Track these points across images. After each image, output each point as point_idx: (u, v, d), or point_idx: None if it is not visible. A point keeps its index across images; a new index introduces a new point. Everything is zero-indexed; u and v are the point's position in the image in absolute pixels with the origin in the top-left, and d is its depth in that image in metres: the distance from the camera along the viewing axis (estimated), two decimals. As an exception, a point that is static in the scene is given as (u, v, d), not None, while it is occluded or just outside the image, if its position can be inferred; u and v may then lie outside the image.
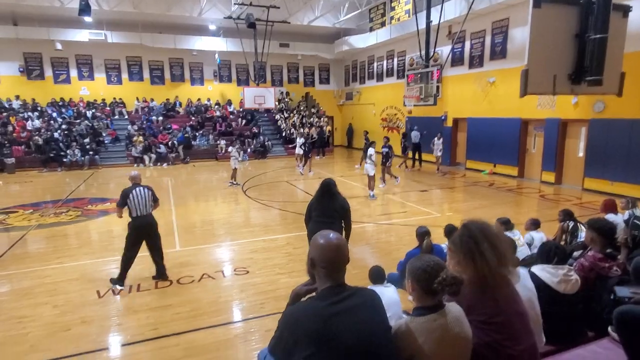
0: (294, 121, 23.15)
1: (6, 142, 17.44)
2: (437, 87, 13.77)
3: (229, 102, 23.79)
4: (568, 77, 5.05)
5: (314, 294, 1.92)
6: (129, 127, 20.32)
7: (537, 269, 2.88)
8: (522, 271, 2.60)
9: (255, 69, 19.27)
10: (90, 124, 19.67)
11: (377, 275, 3.70)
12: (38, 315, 4.82)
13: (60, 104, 20.62)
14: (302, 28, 21.65)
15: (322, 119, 24.04)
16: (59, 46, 19.37)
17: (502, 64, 14.01)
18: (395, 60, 20.37)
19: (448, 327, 1.83)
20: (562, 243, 4.90)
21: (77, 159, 17.72)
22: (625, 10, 5.20)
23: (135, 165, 18.47)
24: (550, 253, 2.88)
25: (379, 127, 22.08)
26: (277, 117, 23.69)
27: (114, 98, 21.73)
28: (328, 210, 4.88)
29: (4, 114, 19.04)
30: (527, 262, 3.83)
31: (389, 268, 4.10)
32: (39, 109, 19.94)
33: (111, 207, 10.41)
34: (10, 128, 18.33)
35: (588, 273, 2.98)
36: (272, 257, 6.70)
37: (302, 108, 24.77)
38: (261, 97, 19.62)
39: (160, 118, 21.49)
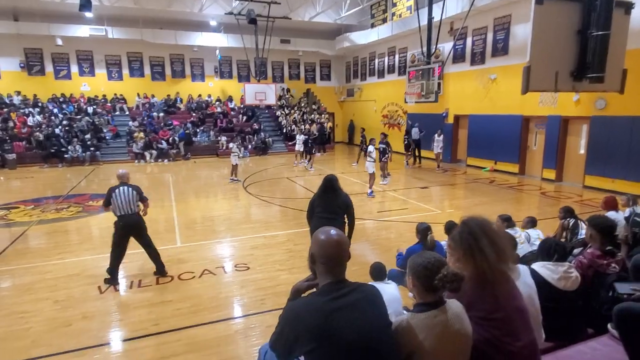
0: (294, 118, 23.12)
1: (7, 137, 17.44)
2: (439, 84, 13.75)
3: (230, 99, 23.76)
4: (570, 74, 5.04)
5: (314, 289, 1.93)
6: (130, 123, 20.32)
7: (537, 266, 2.88)
8: (522, 268, 2.60)
9: (256, 65, 19.25)
10: (91, 120, 19.67)
11: (378, 272, 3.71)
12: (39, 310, 4.84)
13: (61, 99, 20.60)
14: (303, 24, 21.59)
15: (322, 115, 24.02)
16: (59, 42, 19.35)
17: (504, 60, 13.96)
18: (397, 56, 20.31)
19: (448, 324, 1.83)
20: (563, 240, 4.91)
21: (78, 155, 17.74)
22: (628, 7, 5.18)
23: (136, 161, 18.48)
24: (551, 250, 2.89)
25: (379, 124, 22.05)
26: (278, 113, 23.66)
27: (115, 94, 21.71)
28: (331, 207, 4.88)
29: (5, 109, 19.03)
30: (528, 259, 3.83)
31: (389, 265, 4.11)
32: (39, 104, 19.93)
33: (112, 203, 10.42)
34: (11, 124, 18.33)
35: (586, 270, 2.98)
36: (273, 253, 6.71)
37: (303, 104, 24.74)
38: (262, 93, 19.60)
39: (161, 114, 21.48)
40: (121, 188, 5.44)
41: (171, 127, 20.48)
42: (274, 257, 6.51)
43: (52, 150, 17.51)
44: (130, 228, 5.51)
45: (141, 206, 5.74)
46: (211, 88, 23.74)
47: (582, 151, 11.97)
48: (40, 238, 7.80)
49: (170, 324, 4.47)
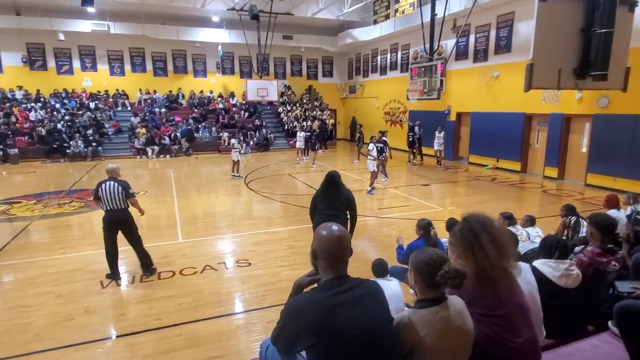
0: (296, 114, 23.10)
1: (9, 132, 17.48)
2: (441, 81, 13.72)
3: (232, 95, 23.74)
4: (573, 71, 5.03)
5: (316, 285, 1.94)
6: (132, 118, 20.33)
7: (538, 263, 2.89)
8: (524, 265, 2.61)
9: (258, 61, 19.20)
10: (93, 116, 19.68)
11: (379, 268, 3.71)
12: (42, 304, 4.87)
13: (63, 95, 20.61)
14: (306, 20, 21.53)
15: (324, 112, 23.99)
16: (61, 37, 19.34)
17: (507, 58, 13.92)
18: (399, 53, 20.25)
19: (450, 320, 1.84)
20: (564, 238, 4.91)
21: (80, 150, 17.77)
22: (631, 4, 5.15)
23: (138, 157, 18.51)
24: (552, 247, 2.89)
25: (381, 121, 22.02)
26: (280, 110, 23.64)
27: (117, 89, 21.71)
28: (333, 203, 4.88)
29: (7, 104, 19.06)
30: (529, 257, 3.84)
31: (390, 261, 4.12)
32: (41, 99, 19.95)
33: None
34: (13, 119, 18.36)
35: (587, 268, 2.99)
36: (274, 249, 6.73)
37: (305, 101, 24.71)
38: (264, 89, 19.58)
39: (163, 110, 21.48)
40: (108, 183, 5.37)
41: (173, 123, 20.49)
42: (275, 253, 6.53)
43: (55, 146, 17.54)
44: (116, 223, 5.43)
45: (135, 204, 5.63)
46: (213, 84, 23.72)
47: (584, 149, 11.95)
48: (42, 233, 7.83)
49: (171, 319, 4.49)
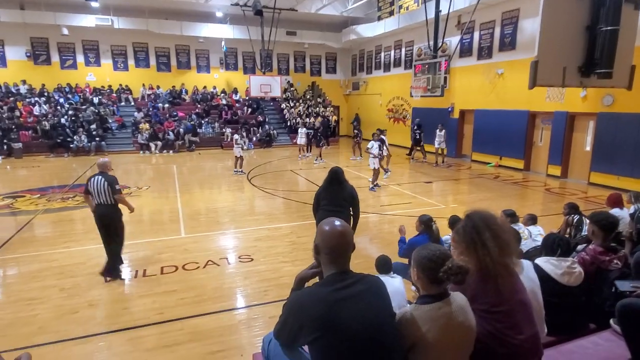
0: (299, 110, 23.08)
1: (13, 127, 17.54)
2: (445, 78, 13.65)
3: (235, 91, 23.73)
4: (578, 69, 4.99)
5: (318, 279, 1.95)
6: (135, 113, 20.37)
7: (540, 261, 2.89)
8: (526, 263, 2.61)
9: (262, 57, 19.19)
10: (96, 110, 19.72)
11: (383, 265, 3.71)
12: (46, 297, 4.91)
13: (67, 89, 20.66)
14: (310, 16, 21.47)
15: (327, 108, 23.96)
16: (65, 31, 19.33)
17: (511, 55, 13.85)
18: (403, 50, 20.18)
19: (452, 316, 1.85)
20: (567, 236, 4.90)
21: (84, 145, 17.82)
22: (638, 2, 5.11)
23: (141, 152, 18.56)
24: (554, 245, 2.89)
25: (385, 118, 21.98)
26: (283, 106, 23.62)
27: (120, 84, 21.74)
28: (336, 199, 4.88)
29: (11, 98, 19.12)
30: (531, 255, 3.84)
31: (393, 258, 4.12)
32: (45, 94, 20.00)
33: (117, 193, 10.49)
34: (17, 113, 18.43)
35: (589, 266, 2.99)
36: (276, 245, 6.75)
37: (308, 97, 24.68)
38: (267, 85, 19.57)
39: (167, 105, 21.50)
40: (96, 177, 5.33)
41: (176, 118, 20.51)
42: (278, 249, 6.55)
43: (58, 140, 17.60)
44: (102, 218, 5.37)
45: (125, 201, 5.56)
46: (216, 80, 23.71)
47: (588, 148, 11.90)
48: (46, 227, 7.87)
49: (174, 313, 4.52)
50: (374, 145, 11.01)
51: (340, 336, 1.68)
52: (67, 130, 18.12)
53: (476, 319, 1.94)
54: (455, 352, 1.90)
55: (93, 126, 18.71)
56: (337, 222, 1.92)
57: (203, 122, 21.04)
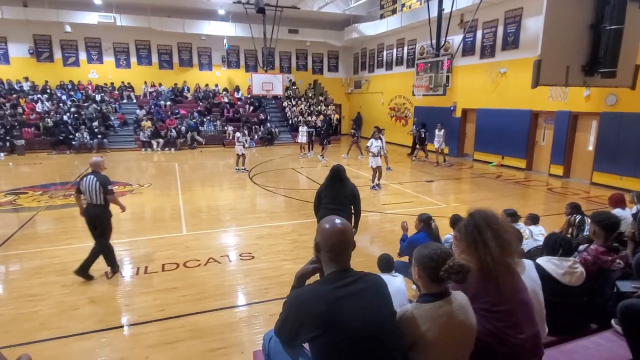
0: (301, 109, 23.07)
1: (16, 124, 17.58)
2: (447, 77, 13.63)
3: (237, 88, 23.73)
4: (581, 68, 4.97)
5: (319, 276, 1.95)
6: (137, 111, 20.39)
7: (542, 261, 2.88)
8: (527, 262, 2.60)
9: (264, 55, 19.18)
10: (98, 108, 19.75)
11: (385, 263, 3.71)
12: (48, 293, 4.92)
13: (69, 86, 20.69)
14: (312, 14, 21.44)
15: (329, 107, 23.93)
16: (68, 28, 19.36)
17: (514, 54, 13.80)
18: (405, 48, 20.13)
19: (453, 315, 1.84)
20: (569, 236, 4.89)
21: (86, 142, 17.85)
22: (643, 1, 5.07)
23: (143, 149, 18.58)
24: (556, 245, 2.88)
25: (387, 117, 21.95)
26: (285, 104, 23.61)
27: (123, 82, 21.76)
28: (338, 197, 4.87)
29: (14, 95, 19.16)
30: (532, 254, 3.83)
31: (394, 257, 4.12)
32: (48, 91, 20.03)
33: (119, 191, 10.52)
34: (20, 110, 18.47)
35: (591, 266, 2.98)
36: (277, 243, 6.75)
37: (310, 95, 24.65)
38: (269, 83, 19.59)
39: (169, 103, 21.51)
40: (89, 176, 5.27)
41: (178, 116, 20.53)
42: (279, 247, 6.55)
43: (61, 137, 17.63)
44: (92, 218, 5.30)
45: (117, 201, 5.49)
46: (218, 77, 23.70)
47: (591, 147, 11.86)
48: (48, 223, 7.89)
49: (175, 311, 4.53)
50: (373, 144, 10.92)
51: (340, 334, 1.68)
52: (69, 127, 18.15)
53: (477, 317, 1.94)
54: (455, 351, 1.90)
55: (95, 123, 18.74)
56: (338, 220, 1.91)
57: (205, 120, 21.04)
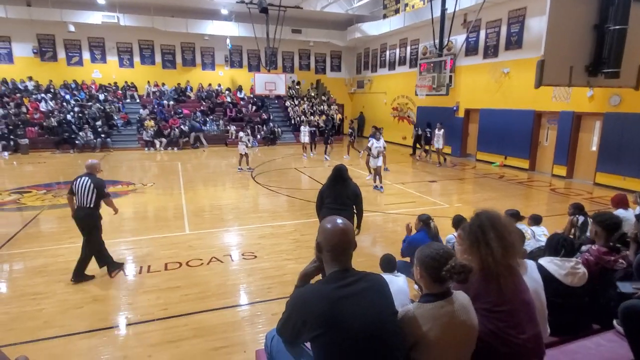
0: (304, 108, 23.08)
1: (20, 123, 17.67)
2: (450, 77, 13.60)
3: (240, 88, 23.76)
4: (585, 68, 4.96)
5: (321, 276, 1.96)
6: (141, 110, 20.44)
7: (544, 261, 2.88)
8: (530, 263, 2.61)
9: (267, 55, 19.18)
10: (102, 107, 19.82)
11: (387, 263, 3.72)
12: (51, 292, 4.95)
13: (73, 86, 20.77)
14: (315, 14, 21.44)
15: (332, 107, 23.94)
16: (71, 28, 19.43)
17: (518, 54, 13.77)
18: (408, 48, 20.11)
19: (455, 315, 1.85)
20: (571, 237, 4.87)
21: (89, 141, 17.92)
22: (647, 1, 5.05)
23: (146, 149, 18.63)
24: (558, 245, 2.88)
25: (389, 117, 21.94)
26: (287, 104, 23.63)
27: (126, 81, 21.83)
28: (340, 197, 4.87)
29: (18, 95, 19.25)
30: (535, 255, 3.82)
31: (396, 257, 4.13)
32: (52, 90, 20.12)
33: (122, 190, 10.56)
34: (24, 109, 18.55)
35: (593, 267, 2.97)
36: (280, 243, 6.76)
37: (312, 95, 24.66)
38: (272, 83, 19.58)
39: (172, 102, 21.57)
40: (81, 179, 5.15)
41: (181, 115, 20.58)
42: (281, 247, 6.56)
43: (64, 137, 17.70)
44: (80, 222, 5.21)
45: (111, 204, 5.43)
46: (221, 77, 23.74)
47: (594, 148, 11.83)
48: (51, 222, 7.93)
49: (178, 309, 4.55)
50: (374, 144, 10.78)
51: (342, 333, 1.69)
52: (73, 126, 18.22)
53: (478, 317, 1.95)
54: (457, 351, 1.91)
55: (98, 123, 18.81)
56: (339, 220, 1.93)
57: (208, 119, 21.08)
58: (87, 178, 5.19)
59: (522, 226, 4.94)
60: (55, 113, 18.70)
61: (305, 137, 16.85)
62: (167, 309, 4.56)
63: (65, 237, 6.95)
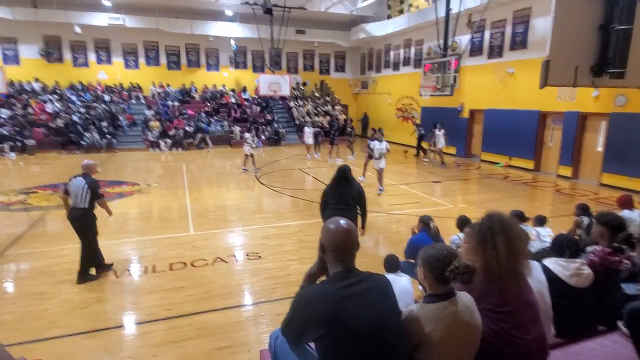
0: (308, 109, 23.10)
1: (26, 124, 17.80)
2: (455, 77, 13.54)
3: (244, 89, 23.81)
4: (590, 69, 4.93)
5: (325, 277, 1.97)
6: (146, 111, 20.54)
7: (549, 262, 2.87)
8: (534, 264, 2.60)
9: (271, 55, 19.22)
10: (107, 108, 19.93)
11: (391, 264, 3.72)
12: (56, 292, 4.99)
13: (79, 87, 20.90)
14: (319, 15, 21.46)
15: (336, 107, 23.93)
16: (77, 30, 19.56)
17: (523, 54, 13.71)
18: (413, 49, 20.07)
19: (458, 315, 1.85)
20: (576, 237, 4.85)
21: (95, 142, 18.02)
22: (653, 1, 5.02)
23: (151, 149, 18.72)
24: (563, 246, 2.86)
25: (394, 117, 21.91)
26: (292, 104, 23.65)
27: (131, 82, 21.95)
28: (344, 198, 4.88)
29: (25, 96, 19.41)
30: (539, 256, 3.81)
31: (400, 257, 4.12)
32: (58, 92, 20.26)
33: (127, 190, 10.62)
34: (30, 110, 18.70)
35: (598, 268, 2.95)
36: (284, 243, 6.77)
37: (317, 96, 24.67)
38: (276, 84, 19.61)
39: (176, 103, 21.66)
40: (78, 179, 5.17)
41: (186, 116, 20.66)
42: (285, 247, 6.57)
43: (70, 137, 17.82)
44: (73, 222, 5.22)
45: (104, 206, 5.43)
46: (226, 78, 23.81)
47: (600, 148, 11.75)
48: (57, 223, 7.97)
49: (182, 309, 4.57)
50: (376, 146, 10.59)
51: (345, 333, 1.69)
52: (79, 127, 18.34)
53: (482, 318, 1.94)
54: (461, 352, 1.91)
55: (104, 123, 18.92)
56: (342, 221, 1.93)
57: (212, 120, 21.15)
58: (82, 178, 5.20)
59: (527, 227, 4.92)
60: (62, 114, 18.83)
61: (309, 139, 16.83)
62: (172, 309, 4.58)
63: (71, 237, 6.90)
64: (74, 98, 20.12)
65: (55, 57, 20.68)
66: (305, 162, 15.72)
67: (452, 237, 4.69)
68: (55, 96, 19.89)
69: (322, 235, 1.95)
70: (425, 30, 18.16)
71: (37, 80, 20.33)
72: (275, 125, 21.83)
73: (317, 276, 2.08)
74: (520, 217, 4.92)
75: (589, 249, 3.53)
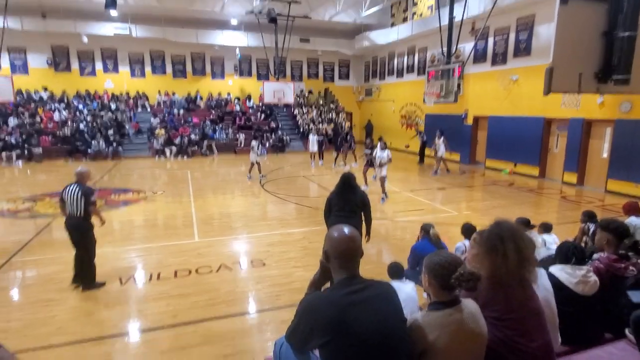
0: (312, 117, 23.19)
1: (34, 132, 18.00)
2: (458, 85, 13.54)
3: (249, 97, 23.97)
4: (594, 75, 4.92)
5: (329, 284, 1.98)
6: (152, 119, 20.72)
7: (555, 269, 2.86)
8: (540, 271, 2.59)
9: (276, 64, 19.36)
10: (114, 116, 20.13)
11: (395, 271, 3.73)
12: (64, 299, 5.02)
13: (86, 96, 21.14)
14: (323, 23, 21.62)
15: (340, 115, 24.01)
16: (85, 39, 19.81)
17: (526, 61, 13.72)
18: (416, 56, 20.15)
19: (463, 323, 1.85)
20: (582, 245, 4.82)
21: (101, 150, 18.17)
22: (656, 7, 5.03)
23: (157, 157, 18.84)
24: (569, 253, 2.85)
25: (398, 124, 21.93)
26: (296, 112, 23.76)
27: (137, 91, 22.16)
28: (348, 205, 4.88)
29: (32, 105, 19.65)
30: (545, 263, 3.79)
31: (405, 265, 4.12)
32: (65, 100, 20.49)
33: (132, 198, 10.69)
34: (38, 119, 18.92)
35: (604, 275, 2.94)
36: (288, 250, 6.78)
37: (321, 103, 24.78)
38: (280, 92, 19.70)
39: (182, 111, 21.83)
40: (72, 186, 5.16)
41: (191, 124, 20.80)
42: (290, 254, 6.58)
43: (77, 145, 17.99)
44: (69, 230, 5.22)
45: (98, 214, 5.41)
46: (230, 86, 23.99)
47: (605, 155, 11.69)
48: (64, 230, 7.97)
49: (187, 316, 4.58)
50: (377, 153, 10.55)
51: (350, 340, 1.70)
52: (86, 135, 18.52)
53: (488, 326, 1.94)
54: (466, 359, 1.90)
55: (110, 132, 19.10)
56: (346, 228, 1.94)
57: (217, 127, 21.28)
58: (76, 186, 5.19)
59: (533, 234, 4.90)
60: (69, 122, 19.03)
61: (313, 146, 16.86)
62: (177, 316, 4.60)
63: (77, 244, 7.03)
64: (81, 106, 20.34)
65: (63, 66, 20.96)
66: (309, 169, 15.76)
67: (457, 244, 4.68)
68: (63, 105, 20.13)
69: (326, 243, 1.96)
70: (428, 37, 18.23)
71: (45, 89, 20.59)
72: (280, 132, 21.92)
73: (322, 283, 2.09)
74: (526, 224, 4.90)
75: (595, 256, 3.51)
